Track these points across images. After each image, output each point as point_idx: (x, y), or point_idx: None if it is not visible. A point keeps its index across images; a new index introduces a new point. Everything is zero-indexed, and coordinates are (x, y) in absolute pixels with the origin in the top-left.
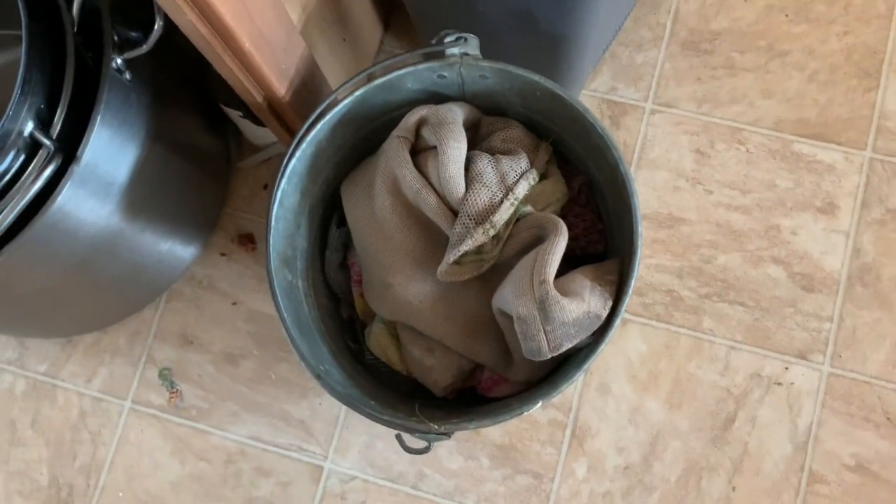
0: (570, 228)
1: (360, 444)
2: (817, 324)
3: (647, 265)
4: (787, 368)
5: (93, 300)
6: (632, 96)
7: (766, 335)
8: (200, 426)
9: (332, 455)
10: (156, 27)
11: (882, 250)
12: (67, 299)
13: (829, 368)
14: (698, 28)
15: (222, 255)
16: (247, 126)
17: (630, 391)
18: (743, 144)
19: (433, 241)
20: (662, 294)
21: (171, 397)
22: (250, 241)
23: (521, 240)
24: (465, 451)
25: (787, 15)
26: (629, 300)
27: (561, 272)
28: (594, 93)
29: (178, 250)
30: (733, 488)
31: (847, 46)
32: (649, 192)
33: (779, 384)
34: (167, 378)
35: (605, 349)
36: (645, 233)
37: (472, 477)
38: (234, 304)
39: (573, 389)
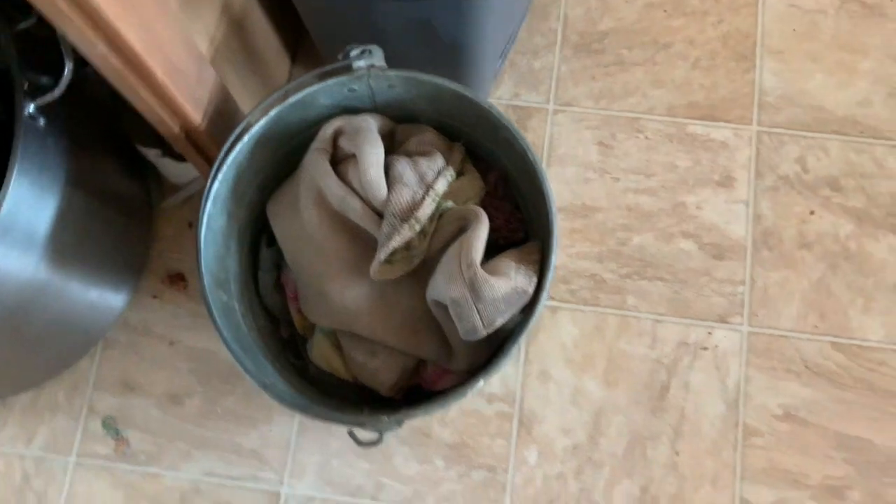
0: (490, 220)
1: (315, 463)
2: (731, 288)
3: (569, 254)
4: (710, 333)
5: (24, 356)
6: (534, 100)
7: (686, 305)
8: (151, 469)
9: (288, 479)
10: (66, 70)
11: (780, 214)
12: None
13: (748, 328)
14: (587, 31)
15: (154, 297)
16: (166, 164)
17: (569, 374)
18: (641, 132)
19: (363, 245)
20: (586, 279)
21: (118, 445)
22: (181, 279)
23: (446, 232)
24: (419, 455)
25: (665, 11)
26: (553, 280)
27: (487, 259)
28: (499, 100)
29: (108, 297)
30: (677, 453)
31: (722, 34)
32: (562, 186)
33: (704, 349)
34: (111, 427)
35: (541, 337)
36: (563, 224)
37: (429, 479)
38: (172, 343)
39: (515, 380)
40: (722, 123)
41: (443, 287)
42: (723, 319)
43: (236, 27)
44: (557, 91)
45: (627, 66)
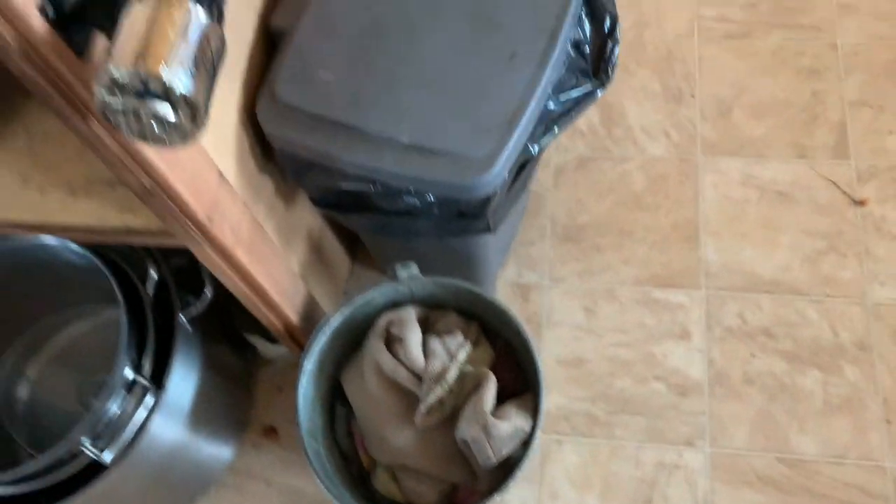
0: (498, 376)
1: None
2: (695, 418)
3: (568, 397)
4: (680, 455)
5: (162, 497)
6: (533, 278)
7: (661, 433)
8: None
9: None
10: (208, 293)
11: (727, 358)
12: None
13: (710, 449)
14: (569, 224)
15: (253, 446)
16: (264, 346)
17: (573, 494)
18: (616, 299)
19: (409, 401)
20: (582, 416)
21: None
22: (274, 432)
23: (467, 390)
24: None
25: (627, 207)
26: (557, 417)
27: (497, 405)
28: (506, 279)
29: (222, 448)
30: None
31: (672, 222)
32: (559, 343)
33: (677, 468)
34: None
35: (550, 464)
36: (561, 373)
37: None
38: (269, 484)
39: (532, 499)
40: (678, 290)
41: (465, 429)
42: (690, 443)
43: (316, 248)
44: (551, 271)
45: (602, 249)
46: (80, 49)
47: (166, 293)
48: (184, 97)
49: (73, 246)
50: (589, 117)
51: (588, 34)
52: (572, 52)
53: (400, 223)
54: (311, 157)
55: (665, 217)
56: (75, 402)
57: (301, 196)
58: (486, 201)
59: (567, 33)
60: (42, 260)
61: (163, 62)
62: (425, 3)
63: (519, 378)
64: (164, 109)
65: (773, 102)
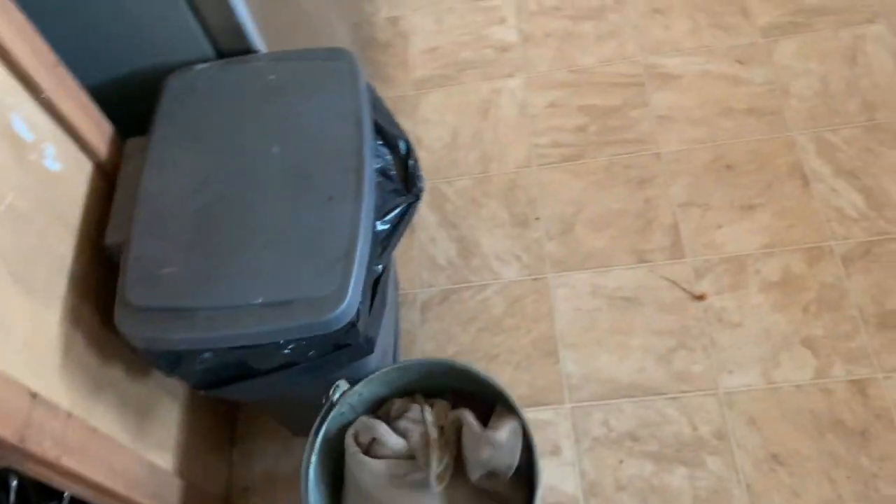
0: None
1: None
2: None
3: None
4: None
5: None
6: None
7: None
8: None
9: None
10: (66, 498)
11: (598, 467)
12: None
13: None
14: (439, 356)
15: None
16: None
17: None
18: None
19: (415, 481)
20: None
21: None
22: None
23: (455, 436)
24: None
25: (490, 331)
26: None
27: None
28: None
29: None
30: None
31: (532, 340)
32: None
33: None
34: None
35: None
36: None
37: None
38: None
39: None
40: (544, 407)
41: (474, 458)
42: None
43: (186, 424)
44: None
45: None
46: None
47: (27, 500)
48: None
49: None
50: (447, 252)
51: (390, 160)
52: (381, 179)
53: (284, 377)
54: (177, 348)
55: (525, 336)
56: None
57: (160, 380)
58: (353, 326)
59: (370, 167)
60: None
61: None
62: (242, 175)
63: (479, 408)
64: None
65: (610, 214)
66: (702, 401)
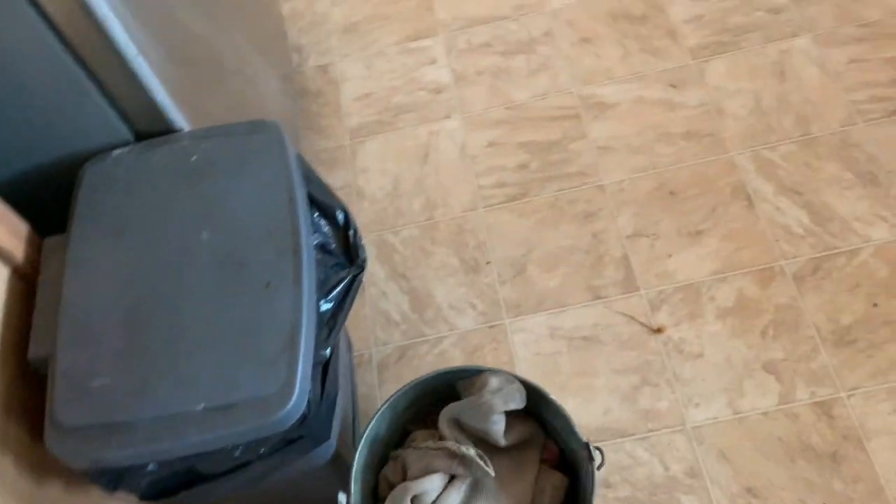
0: None
1: None
2: None
3: None
4: None
5: None
6: None
7: None
8: None
9: None
10: None
11: None
12: None
13: None
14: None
15: None
16: None
17: None
18: None
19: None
20: None
21: None
22: None
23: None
24: None
25: None
26: None
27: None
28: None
29: None
30: None
31: None
32: None
33: None
34: None
35: None
36: None
37: None
38: None
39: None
40: None
41: (487, 415)
42: None
43: None
44: None
45: None
46: None
47: None
48: None
49: None
50: (399, 305)
51: (328, 232)
52: (321, 255)
53: (240, 476)
54: (117, 463)
55: None
56: None
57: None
58: (305, 418)
59: (308, 244)
60: None
61: None
62: (171, 269)
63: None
64: None
65: (561, 252)
66: (671, 438)
